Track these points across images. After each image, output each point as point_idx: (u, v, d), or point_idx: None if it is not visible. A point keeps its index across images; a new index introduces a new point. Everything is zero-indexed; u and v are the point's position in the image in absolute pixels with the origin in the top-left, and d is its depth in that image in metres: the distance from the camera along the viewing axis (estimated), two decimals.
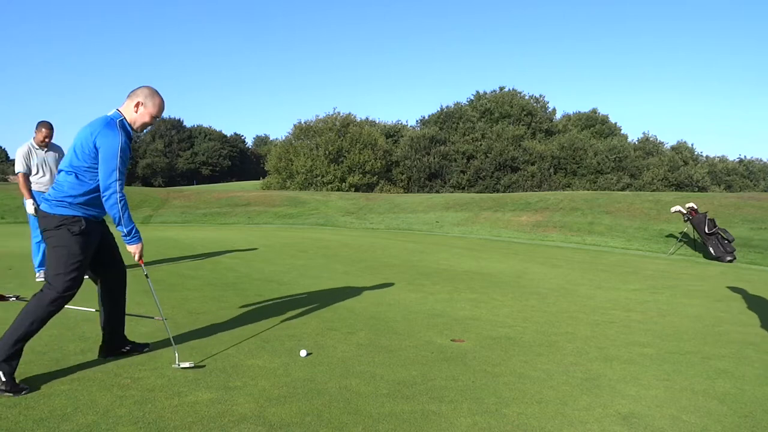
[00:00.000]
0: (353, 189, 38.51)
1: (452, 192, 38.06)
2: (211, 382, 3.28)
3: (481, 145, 42.18)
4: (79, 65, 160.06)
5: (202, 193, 22.78)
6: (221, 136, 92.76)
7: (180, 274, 7.00)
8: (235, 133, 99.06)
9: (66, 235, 3.32)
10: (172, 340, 3.69)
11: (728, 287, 7.11)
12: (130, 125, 3.54)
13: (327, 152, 40.34)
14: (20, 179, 6.33)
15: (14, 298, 5.31)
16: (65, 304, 3.32)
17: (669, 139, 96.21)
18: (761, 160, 66.80)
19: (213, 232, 13.77)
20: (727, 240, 10.95)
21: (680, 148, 51.13)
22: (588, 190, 38.07)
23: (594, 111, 55.35)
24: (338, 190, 37.41)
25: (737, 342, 4.46)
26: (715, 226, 11.18)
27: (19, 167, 6.33)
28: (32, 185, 6.39)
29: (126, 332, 3.80)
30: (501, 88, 50.13)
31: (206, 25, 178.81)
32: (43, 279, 6.40)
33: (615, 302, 5.98)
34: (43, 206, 3.43)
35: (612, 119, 55.50)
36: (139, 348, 3.79)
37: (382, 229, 16.21)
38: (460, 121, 45.43)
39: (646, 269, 8.78)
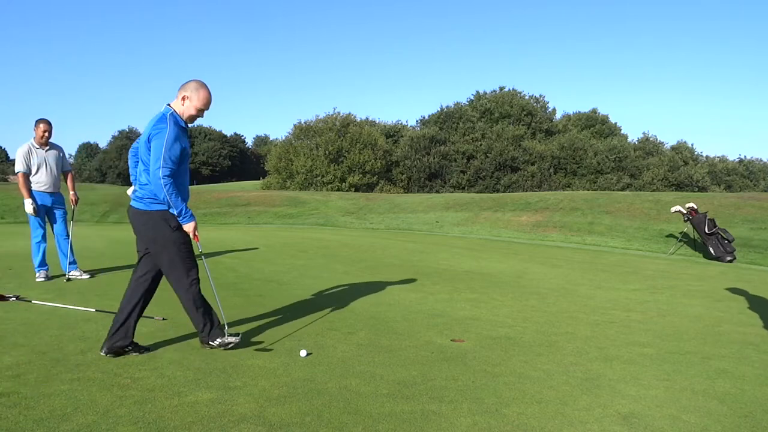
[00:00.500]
0: (353, 189, 38.51)
1: (452, 192, 38.05)
2: (211, 382, 3.28)
3: (481, 145, 42.18)
4: (79, 65, 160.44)
5: (202, 193, 22.78)
6: (221, 136, 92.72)
7: None
8: (235, 133, 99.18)
9: (167, 231, 3.64)
10: (222, 316, 4.12)
11: (728, 287, 7.11)
12: (181, 118, 3.67)
13: (327, 152, 40.34)
14: (20, 179, 6.34)
15: (14, 298, 5.29)
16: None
17: (669, 139, 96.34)
18: (761, 160, 66.86)
19: (213, 232, 13.76)
20: (727, 240, 10.95)
21: (680, 148, 51.17)
22: (588, 190, 38.06)
23: (594, 111, 55.39)
24: (338, 190, 37.42)
25: (737, 342, 4.46)
26: (715, 226, 11.18)
27: (19, 167, 6.34)
28: (32, 185, 6.40)
29: None
30: (501, 88, 50.17)
31: (206, 25, 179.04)
32: (43, 279, 6.43)
33: (615, 302, 5.98)
34: (136, 204, 3.68)
35: (612, 119, 55.62)
36: (139, 349, 3.79)
37: (382, 229, 16.21)
38: (460, 121, 45.42)
39: (646, 269, 8.78)
